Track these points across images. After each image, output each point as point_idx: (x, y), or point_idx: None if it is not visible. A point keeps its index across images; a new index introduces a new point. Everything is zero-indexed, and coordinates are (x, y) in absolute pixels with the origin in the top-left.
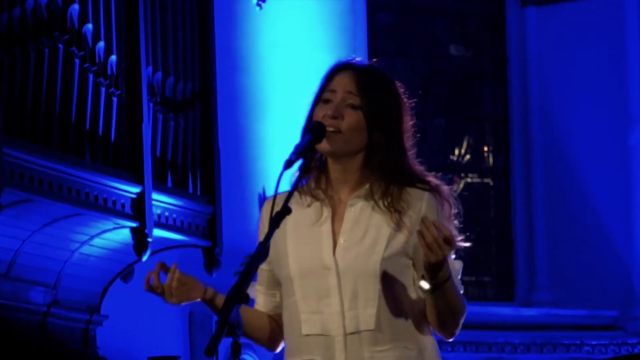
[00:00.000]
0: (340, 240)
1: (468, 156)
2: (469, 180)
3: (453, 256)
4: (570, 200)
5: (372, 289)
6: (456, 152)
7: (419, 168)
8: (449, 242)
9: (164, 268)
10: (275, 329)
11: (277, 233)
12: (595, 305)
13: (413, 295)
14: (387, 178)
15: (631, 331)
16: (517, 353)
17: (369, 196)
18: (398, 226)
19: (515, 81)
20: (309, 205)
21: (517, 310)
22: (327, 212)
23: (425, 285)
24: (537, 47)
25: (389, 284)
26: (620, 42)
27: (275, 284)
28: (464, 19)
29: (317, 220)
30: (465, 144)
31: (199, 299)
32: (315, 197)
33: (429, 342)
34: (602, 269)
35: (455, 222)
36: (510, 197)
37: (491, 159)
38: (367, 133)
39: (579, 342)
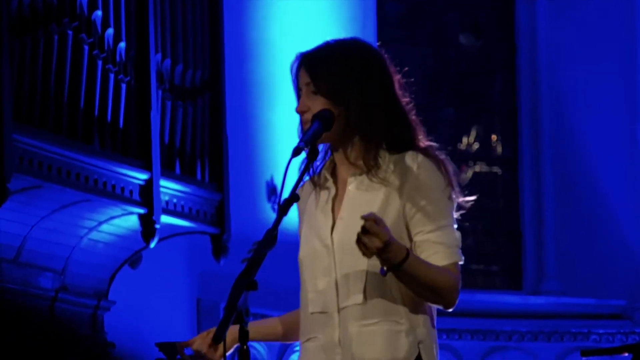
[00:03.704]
0: (340, 218)
1: (476, 145)
2: (477, 169)
3: (455, 226)
4: (579, 190)
5: (362, 263)
6: (464, 141)
7: (411, 132)
8: (370, 230)
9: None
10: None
11: (300, 219)
12: (603, 294)
13: None
14: (366, 144)
15: (639, 320)
16: (525, 341)
17: (363, 172)
18: (390, 197)
19: (525, 71)
20: (319, 191)
21: (524, 299)
22: (328, 195)
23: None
24: (547, 37)
25: None
26: (630, 32)
27: None
28: (474, 9)
29: (320, 202)
30: (474, 133)
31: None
32: (324, 183)
33: (421, 318)
34: (610, 258)
35: (455, 185)
36: (519, 186)
37: (500, 149)
38: (335, 111)
39: (586, 331)
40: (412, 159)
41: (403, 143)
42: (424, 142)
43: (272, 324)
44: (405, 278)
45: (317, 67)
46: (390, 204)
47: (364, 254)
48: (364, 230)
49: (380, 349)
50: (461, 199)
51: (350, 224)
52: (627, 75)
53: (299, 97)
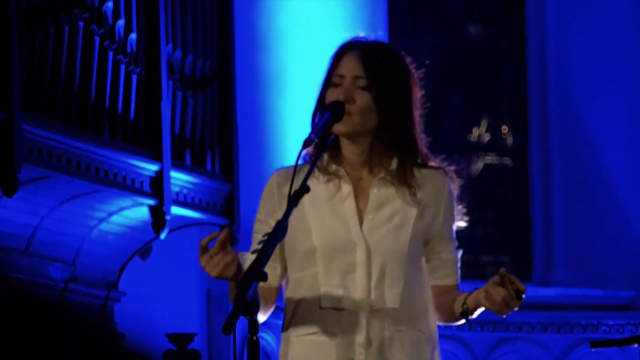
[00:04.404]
0: (368, 217)
1: (487, 136)
2: (487, 160)
3: (456, 244)
4: (589, 180)
5: (399, 269)
6: (474, 132)
7: (424, 147)
8: (520, 297)
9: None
10: (266, 303)
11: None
12: (612, 285)
13: (424, 281)
14: (401, 156)
15: None
16: (535, 333)
17: (392, 178)
18: (422, 208)
19: (534, 60)
20: (325, 182)
21: (534, 290)
22: (348, 188)
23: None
24: (556, 26)
25: (411, 266)
26: (638, 20)
27: (279, 257)
28: None
29: (336, 195)
30: (483, 124)
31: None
32: (333, 174)
33: (434, 328)
34: (620, 249)
35: (460, 207)
36: (529, 177)
37: (509, 139)
38: (377, 113)
39: (596, 322)
40: (441, 182)
41: (419, 156)
42: (433, 159)
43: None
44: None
45: (378, 66)
46: (423, 218)
47: (494, 310)
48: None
49: (409, 355)
50: (458, 221)
51: (387, 228)
52: (635, 64)
53: (329, 82)
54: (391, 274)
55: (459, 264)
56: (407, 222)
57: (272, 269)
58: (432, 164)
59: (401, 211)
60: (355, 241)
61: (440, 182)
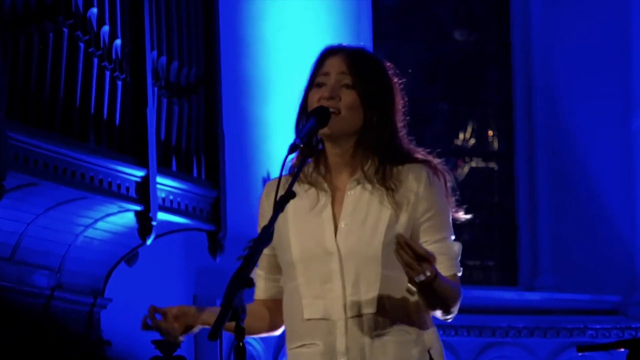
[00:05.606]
0: (342, 224)
1: (472, 140)
2: (473, 164)
3: (452, 237)
4: (574, 185)
5: (374, 273)
6: (460, 136)
7: (410, 146)
8: (425, 259)
9: (157, 310)
10: (275, 316)
11: (280, 218)
12: (598, 290)
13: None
14: (381, 157)
15: (634, 316)
16: (521, 337)
17: (367, 178)
18: (397, 208)
19: (520, 65)
20: (306, 191)
21: (520, 294)
22: (325, 197)
23: (412, 288)
24: (542, 31)
25: (390, 268)
26: (624, 25)
27: (277, 268)
28: (468, 3)
29: (315, 206)
30: (469, 129)
31: (197, 325)
32: (312, 184)
33: (426, 324)
34: (606, 254)
35: (453, 200)
36: (514, 181)
37: (495, 144)
38: (362, 112)
39: (582, 327)
40: (419, 173)
41: (402, 155)
42: (421, 152)
43: (260, 316)
44: (430, 295)
45: (362, 66)
46: (399, 218)
47: (411, 274)
48: (420, 258)
49: (393, 359)
50: (457, 214)
51: (359, 233)
52: (620, 69)
53: (312, 84)
54: (366, 280)
55: (449, 254)
56: (381, 224)
57: (274, 280)
58: (418, 156)
59: (375, 213)
60: (330, 250)
61: (418, 174)
